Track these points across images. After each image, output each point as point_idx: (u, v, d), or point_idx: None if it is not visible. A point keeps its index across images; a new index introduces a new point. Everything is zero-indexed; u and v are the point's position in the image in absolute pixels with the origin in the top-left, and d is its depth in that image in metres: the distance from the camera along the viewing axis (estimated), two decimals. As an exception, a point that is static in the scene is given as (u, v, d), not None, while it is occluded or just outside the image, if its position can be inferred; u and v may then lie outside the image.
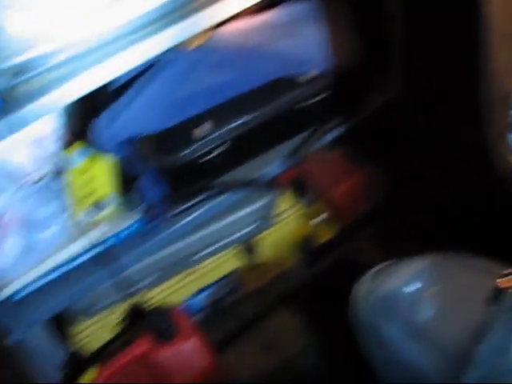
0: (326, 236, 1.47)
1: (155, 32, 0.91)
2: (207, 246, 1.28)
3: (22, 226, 1.12)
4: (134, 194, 1.15)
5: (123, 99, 1.04)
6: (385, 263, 1.09)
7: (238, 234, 1.30)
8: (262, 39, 1.09)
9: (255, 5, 0.99)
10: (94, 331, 1.26)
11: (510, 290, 0.89)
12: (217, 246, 1.29)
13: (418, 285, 0.96)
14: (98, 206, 1.13)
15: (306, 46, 1.10)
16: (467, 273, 0.97)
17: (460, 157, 1.30)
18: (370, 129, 1.33)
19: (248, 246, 1.39)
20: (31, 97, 0.88)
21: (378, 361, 0.99)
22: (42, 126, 1.12)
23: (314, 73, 1.12)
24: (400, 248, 1.41)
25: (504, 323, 0.86)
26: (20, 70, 0.88)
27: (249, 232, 1.32)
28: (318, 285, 1.43)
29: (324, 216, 1.45)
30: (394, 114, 1.32)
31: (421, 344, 0.91)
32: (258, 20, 1.12)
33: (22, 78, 0.88)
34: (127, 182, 1.17)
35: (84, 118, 1.15)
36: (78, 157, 1.15)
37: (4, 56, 0.85)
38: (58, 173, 1.18)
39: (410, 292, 0.96)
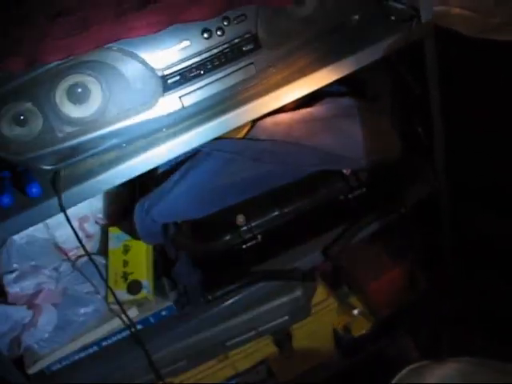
0: (362, 329, 1.44)
1: (199, 123, 0.96)
2: (241, 334, 1.27)
3: (60, 301, 1.15)
4: (170, 278, 1.17)
5: (164, 186, 1.08)
6: (420, 362, 1.07)
7: (272, 324, 1.29)
8: (304, 133, 1.12)
9: (298, 99, 1.04)
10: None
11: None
12: (250, 334, 1.28)
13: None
14: (133, 287, 1.15)
15: (347, 140, 1.13)
16: (501, 380, 0.94)
17: (506, 249, 1.28)
18: (411, 222, 1.32)
19: (282, 335, 1.37)
20: (78, 178, 0.93)
21: None
22: (86, 207, 1.17)
23: (353, 167, 1.13)
24: (437, 345, 1.37)
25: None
26: (71, 152, 0.93)
27: (283, 322, 1.30)
28: (353, 378, 1.39)
29: (360, 309, 1.43)
30: (435, 208, 1.31)
31: None
32: (300, 114, 1.16)
33: (73, 160, 0.94)
34: (163, 267, 1.19)
35: (126, 201, 1.19)
36: (117, 238, 1.19)
37: (57, 139, 0.91)
38: (98, 252, 1.22)
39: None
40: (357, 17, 1.07)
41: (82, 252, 1.19)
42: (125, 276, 1.15)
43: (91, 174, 0.93)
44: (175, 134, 0.95)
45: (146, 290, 1.15)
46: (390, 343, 1.45)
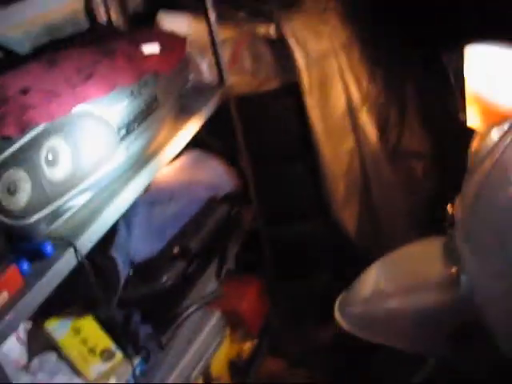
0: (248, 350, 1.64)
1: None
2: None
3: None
4: (128, 337, 1.23)
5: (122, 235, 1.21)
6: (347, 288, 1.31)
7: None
8: (187, 177, 1.42)
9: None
10: None
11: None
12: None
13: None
14: (106, 355, 1.18)
15: (213, 176, 1.47)
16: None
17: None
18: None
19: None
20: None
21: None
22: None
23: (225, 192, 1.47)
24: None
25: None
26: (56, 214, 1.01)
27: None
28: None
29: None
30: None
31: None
32: (173, 167, 1.45)
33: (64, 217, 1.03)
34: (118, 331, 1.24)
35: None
36: (61, 327, 1.20)
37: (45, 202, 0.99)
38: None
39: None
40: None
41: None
42: (92, 351, 1.17)
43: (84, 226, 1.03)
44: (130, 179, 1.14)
45: (119, 353, 1.19)
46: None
